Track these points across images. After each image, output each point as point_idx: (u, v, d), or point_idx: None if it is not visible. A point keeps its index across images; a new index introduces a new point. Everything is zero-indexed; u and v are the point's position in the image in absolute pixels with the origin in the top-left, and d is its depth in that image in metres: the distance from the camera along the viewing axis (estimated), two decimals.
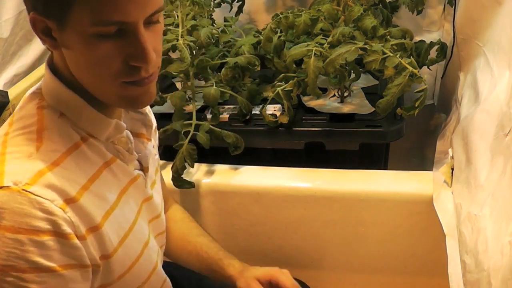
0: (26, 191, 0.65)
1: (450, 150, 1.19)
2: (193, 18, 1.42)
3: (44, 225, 0.65)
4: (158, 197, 0.91)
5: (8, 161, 0.68)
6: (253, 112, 1.38)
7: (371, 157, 1.40)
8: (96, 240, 0.72)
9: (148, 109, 0.94)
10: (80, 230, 0.69)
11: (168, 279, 0.95)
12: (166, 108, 1.42)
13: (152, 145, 0.90)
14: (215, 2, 1.63)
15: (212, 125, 1.28)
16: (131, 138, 0.81)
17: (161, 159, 1.33)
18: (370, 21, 1.24)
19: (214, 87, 1.31)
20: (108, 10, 0.64)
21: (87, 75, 0.70)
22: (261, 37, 1.41)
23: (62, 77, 0.73)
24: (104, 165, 0.76)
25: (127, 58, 0.68)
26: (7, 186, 0.65)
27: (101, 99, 0.73)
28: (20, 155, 0.69)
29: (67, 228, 0.67)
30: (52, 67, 0.75)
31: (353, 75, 1.39)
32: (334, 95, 1.42)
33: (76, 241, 0.69)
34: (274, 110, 1.37)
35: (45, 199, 0.66)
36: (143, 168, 0.86)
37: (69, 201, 0.68)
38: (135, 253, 0.81)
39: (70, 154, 0.71)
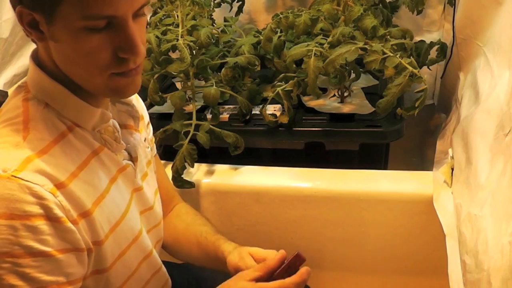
0: (15, 177, 0.66)
1: (450, 150, 1.19)
2: (193, 18, 1.42)
3: (36, 209, 0.66)
4: (149, 190, 0.91)
5: None
6: (253, 112, 1.38)
7: (371, 157, 1.40)
8: (88, 225, 0.73)
9: (140, 103, 0.95)
10: (71, 215, 0.70)
11: (163, 268, 0.95)
12: (166, 108, 1.42)
13: (141, 137, 0.90)
14: (215, 2, 1.63)
15: (212, 125, 1.28)
16: (118, 127, 0.82)
17: (161, 159, 1.33)
18: (370, 21, 1.24)
19: (214, 87, 1.31)
20: (98, 4, 0.65)
21: (75, 67, 0.71)
22: (261, 37, 1.41)
23: (47, 69, 0.74)
24: (92, 153, 0.77)
25: (116, 51, 0.69)
26: None
27: (87, 89, 0.74)
28: (7, 144, 0.69)
29: (58, 212, 0.68)
30: (36, 60, 0.76)
31: (353, 75, 1.39)
32: (334, 95, 1.42)
33: (69, 224, 0.69)
34: (274, 110, 1.37)
35: (35, 184, 0.66)
36: (132, 158, 0.86)
37: (59, 186, 0.69)
38: (126, 241, 0.82)
39: (57, 143, 0.72)
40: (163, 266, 0.94)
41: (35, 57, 0.76)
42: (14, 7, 0.70)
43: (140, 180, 0.87)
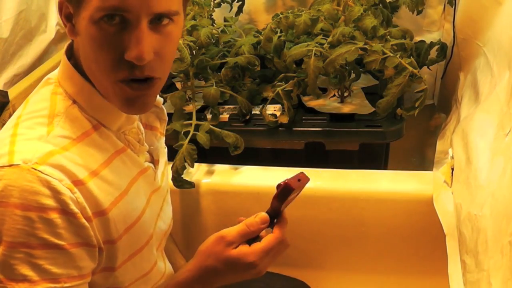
0: (35, 169, 0.66)
1: (450, 150, 1.19)
2: (193, 18, 1.42)
3: (52, 203, 0.66)
4: (165, 188, 0.93)
5: (18, 142, 0.69)
6: (253, 112, 1.38)
7: (371, 157, 1.40)
8: (101, 224, 0.73)
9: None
10: (86, 212, 0.70)
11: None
12: (166, 108, 1.41)
13: (164, 140, 0.91)
14: (215, 2, 1.63)
15: (212, 125, 1.28)
16: (142, 129, 0.82)
17: None
18: (370, 21, 1.24)
19: (214, 87, 1.31)
20: None
21: (89, 64, 0.71)
22: (261, 37, 1.41)
23: (77, 65, 0.74)
24: (115, 153, 0.77)
25: (123, 52, 0.67)
26: (17, 165, 0.66)
27: (101, 91, 0.73)
28: (30, 136, 0.70)
29: (74, 208, 0.68)
30: (69, 56, 0.76)
31: (353, 75, 1.39)
32: (334, 95, 1.42)
33: (83, 220, 0.69)
34: (274, 110, 1.37)
35: (53, 178, 0.67)
36: (154, 161, 0.87)
37: (77, 183, 0.69)
38: (140, 243, 0.82)
39: (80, 141, 0.72)
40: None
41: (68, 53, 0.77)
42: None
43: (159, 180, 0.88)
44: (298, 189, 0.80)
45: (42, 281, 0.67)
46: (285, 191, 0.78)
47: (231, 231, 0.77)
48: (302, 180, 0.79)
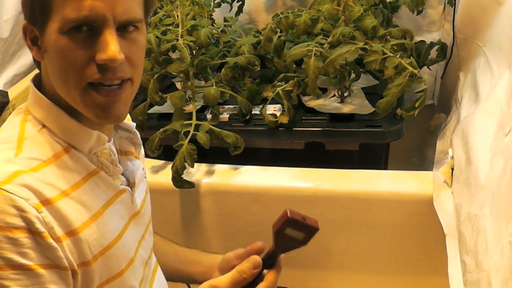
0: (0, 188, 0.66)
1: (450, 150, 1.19)
2: (193, 18, 1.43)
3: (17, 222, 0.66)
4: (147, 216, 0.92)
5: None
6: (253, 112, 1.38)
7: (371, 157, 1.40)
8: (74, 245, 0.72)
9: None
10: (54, 232, 0.69)
11: None
12: (166, 108, 1.42)
13: (140, 164, 0.90)
14: (215, 2, 1.63)
15: (212, 125, 1.28)
16: (114, 150, 0.81)
17: (161, 159, 1.33)
18: (370, 21, 1.24)
19: (214, 87, 1.31)
20: (78, 7, 0.67)
21: (59, 78, 0.72)
22: (261, 37, 1.41)
23: (46, 92, 0.76)
24: (88, 175, 0.77)
25: (93, 55, 0.69)
26: None
27: (73, 106, 0.74)
28: None
29: (40, 227, 0.67)
30: (37, 83, 0.78)
31: (353, 75, 1.39)
32: (334, 95, 1.42)
33: (51, 240, 0.68)
34: (274, 110, 1.37)
35: (19, 197, 0.66)
36: (130, 184, 0.86)
37: (45, 202, 0.69)
38: (119, 266, 0.81)
39: (50, 164, 0.72)
40: None
41: (36, 81, 0.78)
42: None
43: (138, 205, 0.87)
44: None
45: None
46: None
47: (224, 279, 0.75)
48: (308, 220, 0.78)
